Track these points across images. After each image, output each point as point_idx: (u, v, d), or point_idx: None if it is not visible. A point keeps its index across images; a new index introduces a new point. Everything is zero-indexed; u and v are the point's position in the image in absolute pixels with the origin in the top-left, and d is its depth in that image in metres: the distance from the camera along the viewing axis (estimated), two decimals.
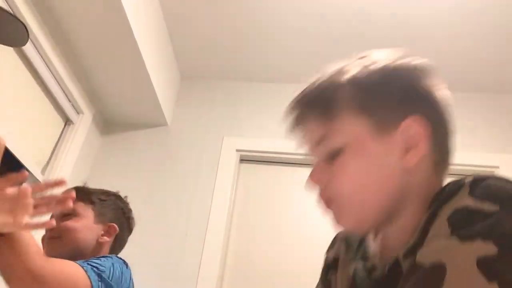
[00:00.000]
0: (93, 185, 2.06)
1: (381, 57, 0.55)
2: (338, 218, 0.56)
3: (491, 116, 2.15)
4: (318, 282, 0.71)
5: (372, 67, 0.53)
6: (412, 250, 0.45)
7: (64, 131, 1.89)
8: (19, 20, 0.76)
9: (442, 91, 0.54)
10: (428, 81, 0.54)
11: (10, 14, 0.75)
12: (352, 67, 0.54)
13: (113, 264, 0.95)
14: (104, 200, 1.15)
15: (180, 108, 2.33)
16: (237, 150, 2.14)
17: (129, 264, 1.06)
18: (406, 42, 2.03)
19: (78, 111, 1.94)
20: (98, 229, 1.09)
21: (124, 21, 1.56)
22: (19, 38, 0.85)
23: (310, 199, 2.08)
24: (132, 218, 1.25)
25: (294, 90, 0.61)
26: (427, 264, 0.40)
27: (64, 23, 1.62)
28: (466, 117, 2.04)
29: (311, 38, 2.05)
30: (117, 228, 1.13)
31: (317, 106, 0.56)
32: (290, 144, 2.37)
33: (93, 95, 2.01)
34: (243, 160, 2.18)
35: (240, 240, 1.96)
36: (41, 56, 1.60)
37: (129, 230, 1.24)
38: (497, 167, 1.95)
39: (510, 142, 2.07)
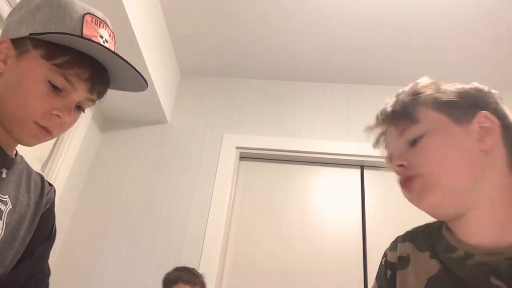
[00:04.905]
0: (91, 181, 2.08)
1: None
2: (422, 193, 0.61)
3: None
4: (375, 283, 0.75)
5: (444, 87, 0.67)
6: None
7: None
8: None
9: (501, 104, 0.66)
10: (492, 96, 0.66)
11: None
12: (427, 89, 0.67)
13: None
14: None
15: (180, 105, 2.33)
16: (237, 147, 2.14)
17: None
18: (399, 31, 2.03)
19: None
20: None
21: (125, 18, 1.56)
22: None
23: (308, 196, 2.10)
24: None
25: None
26: None
27: None
28: None
29: (311, 36, 2.05)
30: None
31: (403, 116, 0.67)
32: (289, 142, 2.34)
33: None
34: (242, 157, 2.18)
35: (240, 236, 1.97)
36: None
37: None
38: None
39: None
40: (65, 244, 1.91)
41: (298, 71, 2.30)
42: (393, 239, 0.76)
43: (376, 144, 0.74)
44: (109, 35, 0.73)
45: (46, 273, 0.81)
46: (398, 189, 0.68)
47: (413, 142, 0.64)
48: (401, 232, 0.75)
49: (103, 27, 0.72)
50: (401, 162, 0.64)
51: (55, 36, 0.63)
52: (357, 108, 2.24)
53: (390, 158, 0.71)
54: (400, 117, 0.66)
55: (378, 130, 0.74)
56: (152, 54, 1.88)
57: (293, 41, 2.10)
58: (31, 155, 1.65)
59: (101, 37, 0.70)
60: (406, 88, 0.70)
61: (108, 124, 2.26)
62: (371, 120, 0.74)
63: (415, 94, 0.67)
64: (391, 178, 2.09)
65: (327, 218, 1.99)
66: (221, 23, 2.04)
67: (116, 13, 1.53)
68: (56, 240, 0.84)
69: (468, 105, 0.63)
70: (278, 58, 2.23)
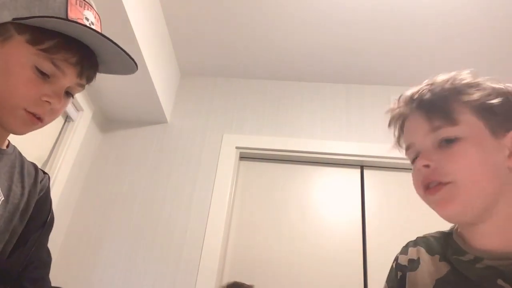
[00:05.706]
0: (92, 182, 2.08)
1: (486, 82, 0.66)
2: (445, 202, 0.61)
3: None
4: (385, 285, 0.77)
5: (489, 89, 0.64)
6: None
7: (63, 128, 1.90)
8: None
9: None
10: None
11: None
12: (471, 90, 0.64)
13: None
14: None
15: (180, 105, 2.34)
16: (237, 148, 2.14)
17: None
18: (398, 29, 2.03)
19: (78, 108, 1.95)
20: None
21: (125, 19, 1.56)
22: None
23: (308, 196, 2.09)
24: None
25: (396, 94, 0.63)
26: None
27: None
28: None
29: (311, 36, 2.05)
30: None
31: (441, 112, 0.64)
32: (289, 142, 2.35)
33: (93, 93, 2.01)
34: (242, 157, 2.18)
35: (240, 236, 1.97)
36: None
37: None
38: None
39: None
40: (65, 244, 1.91)
41: (298, 71, 2.30)
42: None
43: (401, 129, 0.71)
44: (95, 17, 0.71)
45: (45, 260, 0.79)
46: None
47: (445, 143, 0.62)
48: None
49: (88, 9, 0.69)
50: (427, 163, 0.62)
51: (40, 20, 0.61)
52: (357, 108, 2.24)
53: (408, 146, 0.68)
54: (437, 112, 0.63)
55: (398, 111, 0.70)
56: (152, 54, 1.88)
57: (293, 41, 2.10)
58: (31, 155, 1.64)
59: (87, 19, 0.68)
60: (446, 78, 0.67)
61: (108, 124, 2.26)
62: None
63: (457, 92, 0.64)
64: (391, 178, 2.09)
65: (327, 218, 1.99)
66: (221, 23, 2.04)
67: (116, 13, 1.53)
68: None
69: (504, 117, 0.62)
70: (278, 58, 2.23)
